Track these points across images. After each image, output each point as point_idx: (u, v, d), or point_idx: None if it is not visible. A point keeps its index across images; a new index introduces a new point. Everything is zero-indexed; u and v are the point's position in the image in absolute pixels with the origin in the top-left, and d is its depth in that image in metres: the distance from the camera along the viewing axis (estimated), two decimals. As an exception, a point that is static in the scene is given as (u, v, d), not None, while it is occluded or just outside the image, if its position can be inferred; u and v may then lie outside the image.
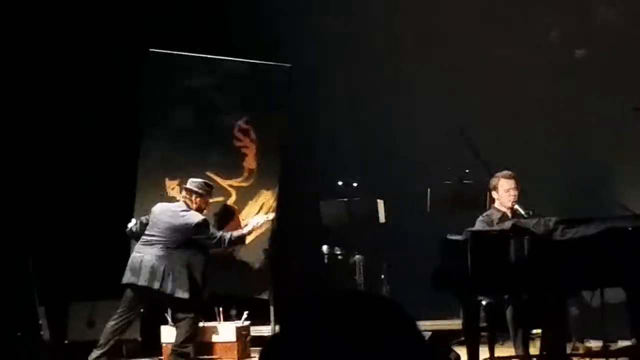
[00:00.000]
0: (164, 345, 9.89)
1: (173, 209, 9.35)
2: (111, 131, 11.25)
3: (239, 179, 10.09)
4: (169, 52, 10.11)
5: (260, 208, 10.01)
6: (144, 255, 9.12)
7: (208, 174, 9.98)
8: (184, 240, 9.18)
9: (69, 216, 10.49)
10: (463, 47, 11.73)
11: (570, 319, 9.08)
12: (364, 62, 12.07)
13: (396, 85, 11.99)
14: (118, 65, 11.16)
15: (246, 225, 9.72)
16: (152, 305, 9.46)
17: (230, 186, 10.08)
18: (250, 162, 10.09)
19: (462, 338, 8.41)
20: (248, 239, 9.71)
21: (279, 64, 10.13)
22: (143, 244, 9.23)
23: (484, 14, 11.82)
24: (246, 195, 10.07)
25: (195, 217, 9.26)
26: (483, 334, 8.53)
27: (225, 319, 10.28)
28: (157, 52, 10.09)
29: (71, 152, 11.30)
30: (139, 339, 10.47)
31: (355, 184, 10.29)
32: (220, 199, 10.03)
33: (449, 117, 10.87)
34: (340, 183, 10.29)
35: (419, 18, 11.90)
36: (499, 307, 8.40)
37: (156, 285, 9.01)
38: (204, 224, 9.28)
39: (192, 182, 9.43)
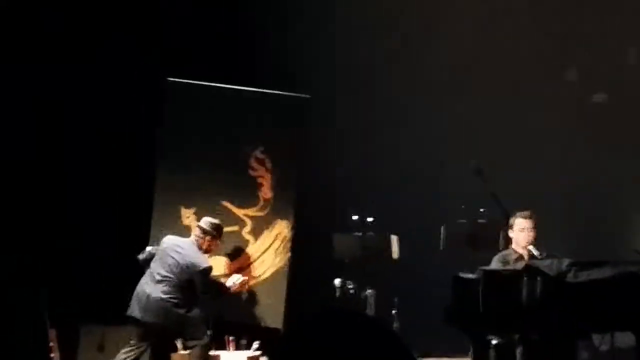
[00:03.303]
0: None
1: (183, 246, 9.35)
2: (128, 158, 11.28)
3: (255, 209, 10.10)
4: (186, 81, 10.15)
5: (276, 238, 10.02)
6: (152, 293, 9.15)
7: (223, 203, 10.01)
8: (188, 279, 9.21)
9: (84, 241, 10.52)
10: (484, 84, 11.73)
11: (580, 363, 9.04)
12: (382, 95, 12.08)
13: (414, 119, 11.99)
14: (135, 93, 11.20)
15: (229, 280, 9.74)
16: (161, 337, 9.40)
17: (246, 215, 10.09)
18: (265, 192, 10.10)
19: (471, 376, 8.39)
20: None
21: (297, 94, 10.15)
22: (151, 280, 9.24)
23: (501, 52, 11.84)
24: (261, 225, 10.07)
25: (203, 262, 9.30)
26: (492, 373, 8.51)
27: (236, 348, 10.26)
28: (174, 81, 10.14)
29: (88, 177, 11.32)
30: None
31: (370, 219, 10.27)
32: (235, 228, 10.04)
33: (467, 155, 10.86)
34: (354, 217, 10.28)
35: (438, 49, 11.91)
36: (509, 347, 8.37)
37: (163, 321, 9.04)
38: (209, 271, 9.33)
39: (206, 222, 9.43)
